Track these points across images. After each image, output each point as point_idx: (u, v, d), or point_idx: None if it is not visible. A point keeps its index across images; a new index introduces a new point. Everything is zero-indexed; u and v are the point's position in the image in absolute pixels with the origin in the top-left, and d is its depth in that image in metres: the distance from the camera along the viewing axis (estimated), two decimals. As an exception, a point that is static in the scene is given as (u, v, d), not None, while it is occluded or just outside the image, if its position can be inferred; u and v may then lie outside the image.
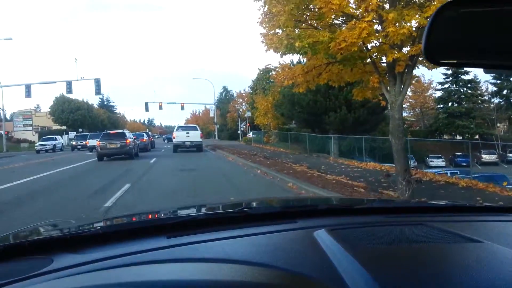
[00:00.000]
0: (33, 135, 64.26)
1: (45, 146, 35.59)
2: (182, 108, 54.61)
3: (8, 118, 65.95)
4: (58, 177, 12.49)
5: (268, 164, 14.16)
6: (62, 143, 40.04)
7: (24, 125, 68.01)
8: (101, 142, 19.34)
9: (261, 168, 12.96)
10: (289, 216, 1.33)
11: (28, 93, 35.61)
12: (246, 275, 0.81)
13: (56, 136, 40.93)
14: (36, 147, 36.60)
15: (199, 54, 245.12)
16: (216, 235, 1.09)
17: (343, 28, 7.07)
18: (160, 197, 8.21)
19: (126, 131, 22.34)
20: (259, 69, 45.72)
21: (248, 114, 44.11)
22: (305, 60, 11.04)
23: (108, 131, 23.53)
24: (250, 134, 40.71)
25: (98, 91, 37.16)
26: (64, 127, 62.91)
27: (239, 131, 49.72)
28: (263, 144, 31.56)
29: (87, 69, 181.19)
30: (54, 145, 36.31)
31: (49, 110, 67.70)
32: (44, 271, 0.88)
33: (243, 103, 53.97)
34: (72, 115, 64.07)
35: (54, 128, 64.70)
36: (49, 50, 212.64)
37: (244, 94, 55.14)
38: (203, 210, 1.74)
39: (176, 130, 25.39)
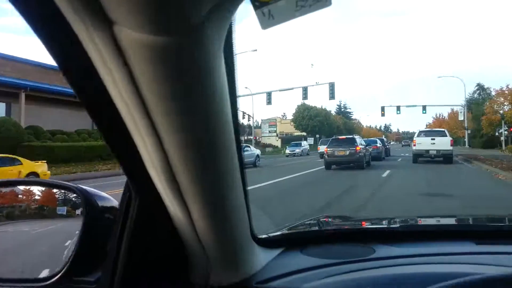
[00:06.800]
0: (277, 140, 70.49)
1: (293, 151, 40.02)
2: (424, 110, 48.19)
3: (255, 126, 74.52)
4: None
5: None
6: (307, 149, 43.85)
7: (269, 131, 75.32)
8: (329, 149, 18.00)
9: None
10: None
11: (269, 101, 37.84)
12: None
13: (302, 142, 45.75)
14: (286, 151, 41.44)
15: (444, 52, 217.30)
16: None
17: None
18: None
19: (356, 137, 19.62)
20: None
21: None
22: None
23: (337, 136, 22.13)
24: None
25: (332, 96, 35.80)
26: (304, 133, 66.35)
27: (502, 138, 40.36)
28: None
29: (322, 75, 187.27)
30: (302, 150, 40.75)
31: (291, 117, 72.99)
32: (370, 258, 1.03)
33: (506, 102, 42.76)
34: (311, 122, 67.01)
35: (295, 134, 69.12)
36: (288, 58, 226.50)
37: (507, 92, 43.27)
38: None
39: (418, 136, 21.04)
